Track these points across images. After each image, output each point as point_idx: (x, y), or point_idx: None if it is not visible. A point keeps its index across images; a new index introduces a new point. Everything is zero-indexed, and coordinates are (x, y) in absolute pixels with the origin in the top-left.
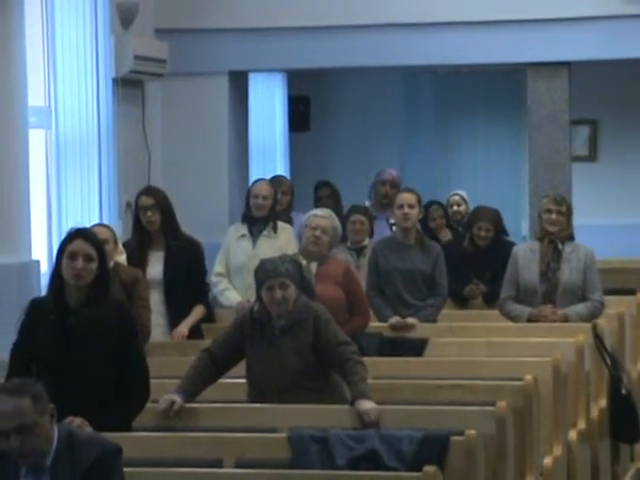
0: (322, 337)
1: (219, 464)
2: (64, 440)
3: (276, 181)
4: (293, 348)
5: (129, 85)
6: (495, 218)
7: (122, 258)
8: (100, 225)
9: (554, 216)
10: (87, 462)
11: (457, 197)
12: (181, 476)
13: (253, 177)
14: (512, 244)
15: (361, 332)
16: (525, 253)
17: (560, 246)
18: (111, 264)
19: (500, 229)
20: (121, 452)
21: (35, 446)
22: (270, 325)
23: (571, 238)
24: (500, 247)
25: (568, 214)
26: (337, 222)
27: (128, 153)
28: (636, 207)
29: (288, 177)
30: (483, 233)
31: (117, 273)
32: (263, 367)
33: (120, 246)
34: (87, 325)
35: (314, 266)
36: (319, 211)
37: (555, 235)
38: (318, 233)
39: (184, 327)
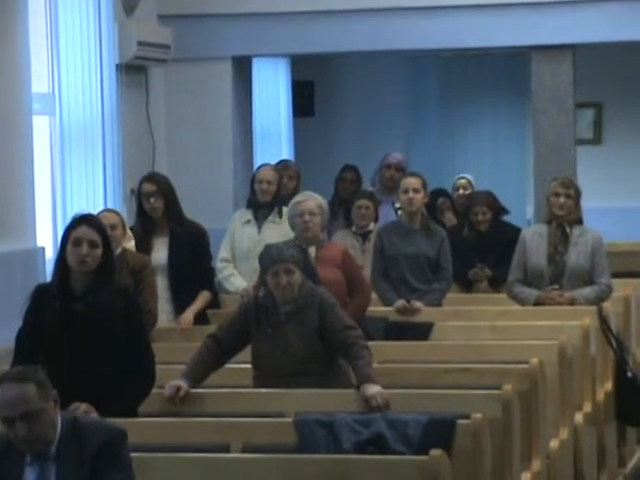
0: (327, 322)
1: (226, 449)
2: (68, 427)
3: (282, 165)
4: (298, 333)
5: (133, 71)
6: (488, 200)
7: (131, 244)
8: (109, 210)
9: (562, 199)
10: (93, 448)
11: (464, 181)
12: (188, 461)
13: (257, 162)
14: (515, 227)
15: (367, 316)
16: (533, 236)
17: (568, 229)
18: (119, 250)
19: (497, 209)
20: (126, 436)
21: (41, 433)
22: (275, 310)
23: (580, 222)
24: (502, 230)
25: (576, 197)
26: (320, 199)
27: (132, 139)
28: None
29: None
30: (480, 217)
31: (125, 259)
32: (268, 352)
33: (129, 232)
34: (92, 311)
35: (312, 250)
36: (299, 197)
37: (563, 218)
38: (307, 217)
39: (190, 314)
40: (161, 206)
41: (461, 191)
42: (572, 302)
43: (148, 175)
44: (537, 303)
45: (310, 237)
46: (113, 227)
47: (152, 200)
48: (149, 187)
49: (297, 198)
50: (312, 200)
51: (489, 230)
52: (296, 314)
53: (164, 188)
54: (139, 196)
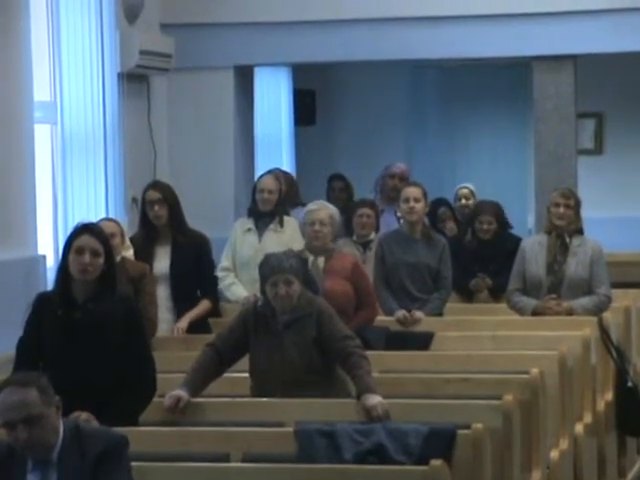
0: (325, 331)
1: (226, 459)
2: (70, 433)
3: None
4: (296, 342)
5: (135, 80)
6: (497, 211)
7: (129, 253)
8: (108, 219)
9: (562, 210)
10: (95, 454)
11: (466, 190)
12: (188, 471)
13: (259, 171)
14: (516, 237)
15: (368, 326)
16: (533, 246)
17: (568, 239)
18: (118, 258)
19: (502, 222)
20: (128, 443)
21: (42, 437)
22: (274, 319)
23: (580, 232)
24: (505, 240)
25: (576, 208)
26: (332, 209)
27: (134, 148)
28: None
29: (294, 171)
30: (485, 226)
31: (124, 268)
32: (266, 361)
33: (127, 241)
34: (93, 320)
35: (322, 260)
36: (312, 205)
37: (563, 229)
38: (317, 227)
39: (184, 321)
40: (165, 214)
41: (463, 201)
42: (570, 312)
43: (153, 183)
44: (535, 312)
45: (319, 246)
46: (112, 236)
47: (157, 208)
48: (154, 195)
49: (310, 206)
50: (324, 210)
51: (491, 240)
52: (294, 323)
53: (169, 196)
54: (143, 204)
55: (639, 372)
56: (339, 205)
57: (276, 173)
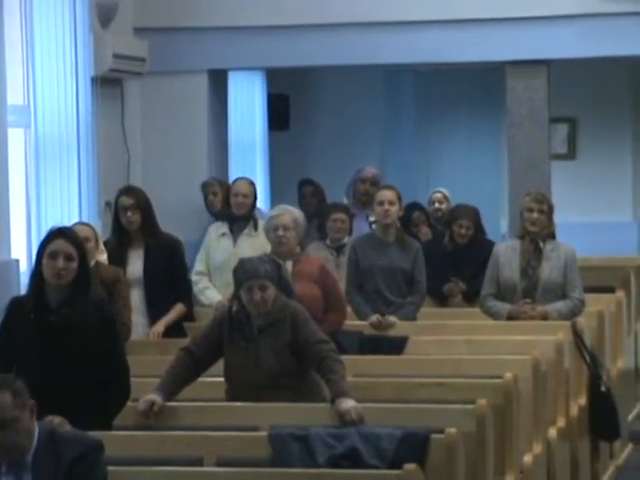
0: (300, 336)
1: (200, 462)
2: (45, 437)
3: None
4: (271, 347)
5: (108, 84)
6: (475, 216)
7: (103, 257)
8: (81, 224)
9: (535, 215)
10: (70, 458)
11: (439, 195)
12: (162, 475)
13: (233, 176)
14: (492, 243)
15: (341, 330)
16: (506, 251)
17: (541, 244)
18: (92, 263)
19: (479, 227)
20: (103, 448)
21: (15, 441)
22: (248, 324)
23: (552, 236)
24: (480, 245)
25: (549, 213)
26: (296, 213)
27: (107, 152)
28: (615, 205)
29: (268, 175)
30: (464, 231)
31: (98, 272)
32: (241, 365)
33: (101, 245)
34: (67, 324)
35: (290, 265)
36: (273, 211)
37: (536, 234)
38: (281, 232)
39: (160, 326)
40: (138, 219)
41: (437, 205)
42: (545, 316)
43: (125, 188)
44: (509, 317)
45: (284, 251)
46: (86, 240)
47: (129, 214)
48: (127, 200)
49: (273, 212)
50: (287, 214)
51: (467, 245)
52: (269, 328)
53: (142, 202)
54: (116, 209)
55: (612, 377)
56: (311, 209)
57: (209, 181)
